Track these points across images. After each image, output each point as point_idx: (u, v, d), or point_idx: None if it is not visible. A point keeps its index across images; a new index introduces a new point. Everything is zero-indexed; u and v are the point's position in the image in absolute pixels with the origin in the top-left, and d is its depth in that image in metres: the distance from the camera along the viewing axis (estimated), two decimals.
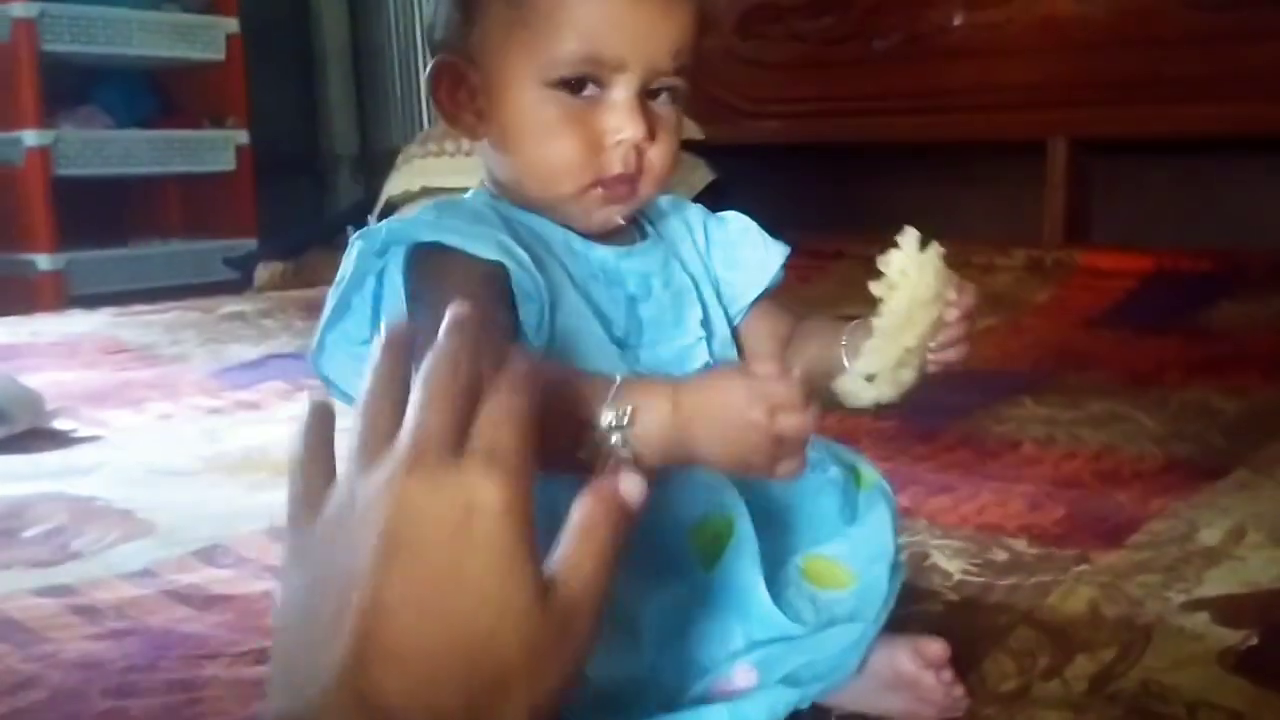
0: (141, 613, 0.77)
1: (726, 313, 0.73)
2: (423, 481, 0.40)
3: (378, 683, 0.39)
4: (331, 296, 0.67)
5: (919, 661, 0.60)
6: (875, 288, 0.61)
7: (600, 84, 0.63)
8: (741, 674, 0.58)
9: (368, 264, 0.65)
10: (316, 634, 0.40)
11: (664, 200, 0.76)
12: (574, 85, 0.63)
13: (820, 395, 0.69)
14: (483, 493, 0.40)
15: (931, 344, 0.62)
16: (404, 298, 0.65)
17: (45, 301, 2.68)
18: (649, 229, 0.72)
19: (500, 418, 0.42)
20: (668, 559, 0.61)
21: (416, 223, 0.64)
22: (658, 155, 0.65)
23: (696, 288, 0.72)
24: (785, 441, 0.52)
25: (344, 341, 0.68)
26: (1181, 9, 1.97)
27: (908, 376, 0.63)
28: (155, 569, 0.86)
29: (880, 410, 0.66)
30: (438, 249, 0.62)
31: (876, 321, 0.62)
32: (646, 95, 0.65)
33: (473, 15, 0.67)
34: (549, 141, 0.64)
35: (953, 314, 0.62)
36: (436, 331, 0.60)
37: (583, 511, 0.44)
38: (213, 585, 0.83)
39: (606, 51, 0.62)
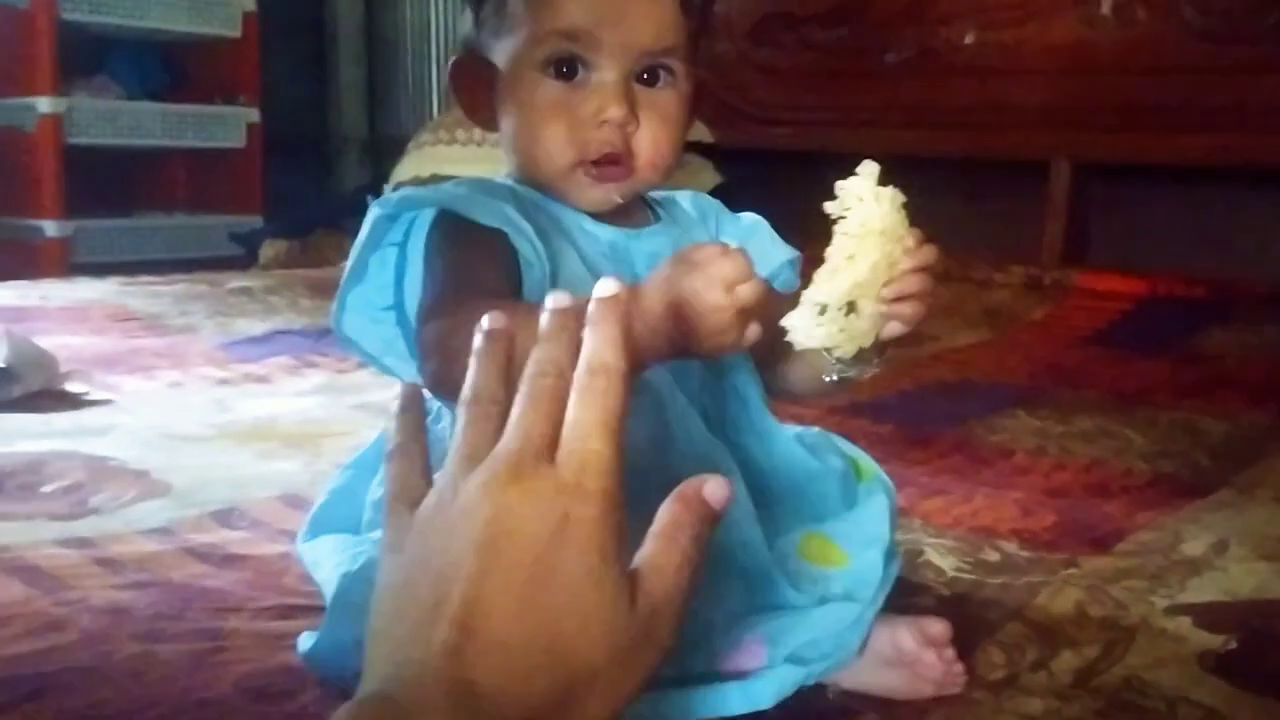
0: (162, 568, 0.80)
1: None
2: (523, 491, 0.43)
3: (473, 673, 0.41)
4: (350, 258, 0.71)
5: (921, 639, 0.63)
6: (830, 206, 0.61)
7: (587, 66, 0.67)
8: (750, 651, 0.61)
9: (381, 228, 0.69)
10: (414, 620, 0.43)
11: (682, 195, 0.80)
12: (562, 69, 0.67)
13: (819, 387, 0.70)
14: (578, 504, 0.43)
15: (885, 292, 0.62)
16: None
17: (49, 268, 2.69)
18: (663, 214, 0.75)
19: (595, 427, 0.44)
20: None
21: (429, 190, 0.69)
22: (646, 137, 0.68)
23: None
24: (747, 311, 0.56)
25: (365, 305, 0.72)
26: (1189, 40, 2.01)
27: (859, 326, 0.61)
28: (173, 528, 0.88)
29: (842, 378, 0.66)
30: (454, 219, 0.66)
31: (829, 248, 0.62)
32: (641, 81, 0.68)
33: (480, 12, 0.71)
34: (537, 123, 0.68)
35: (908, 262, 0.62)
36: (443, 292, 0.63)
37: (668, 514, 0.45)
38: (230, 545, 0.85)
39: (580, 26, 0.66)
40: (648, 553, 0.45)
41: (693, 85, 0.73)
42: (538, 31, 0.67)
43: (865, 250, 0.61)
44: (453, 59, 0.75)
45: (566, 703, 0.42)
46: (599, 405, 0.44)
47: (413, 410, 0.51)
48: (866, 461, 0.75)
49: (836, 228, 0.61)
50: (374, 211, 0.69)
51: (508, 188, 0.71)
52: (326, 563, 0.71)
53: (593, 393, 0.44)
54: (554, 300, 0.48)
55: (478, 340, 0.49)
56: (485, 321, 0.49)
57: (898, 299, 0.62)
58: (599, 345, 0.45)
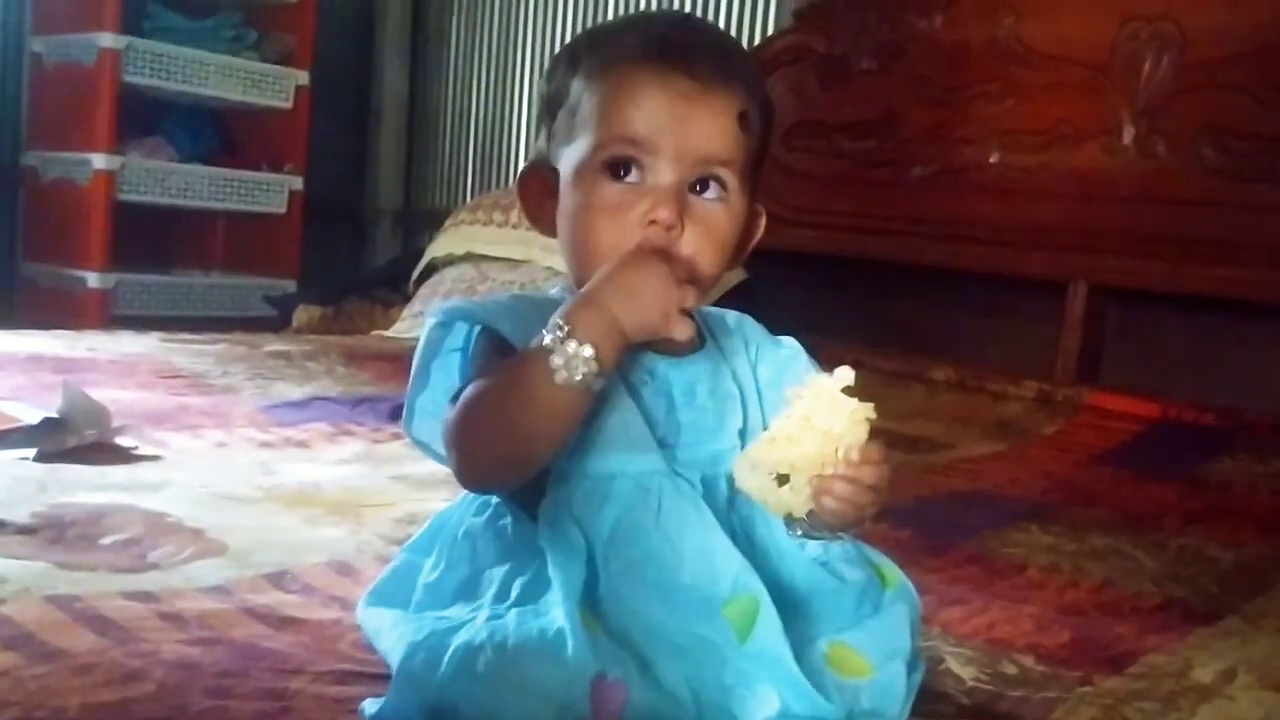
0: (223, 625, 0.84)
1: (765, 422, 0.81)
2: None
3: None
4: (413, 366, 0.77)
5: None
6: (788, 392, 0.67)
7: (643, 170, 0.71)
8: None
9: (436, 334, 0.75)
10: None
11: (730, 316, 0.85)
12: (619, 170, 0.71)
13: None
14: None
15: (814, 482, 0.66)
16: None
17: (89, 318, 2.76)
18: (709, 339, 0.80)
19: None
20: (709, 632, 0.68)
21: (477, 304, 0.74)
22: (689, 246, 0.71)
23: (742, 397, 0.79)
24: (669, 265, 0.66)
25: (434, 409, 0.77)
26: (1206, 175, 2.10)
27: (790, 498, 0.65)
28: (230, 587, 0.93)
29: (805, 536, 0.70)
30: (495, 332, 0.72)
31: (775, 419, 0.67)
32: (694, 191, 0.72)
33: (553, 125, 0.78)
34: (589, 220, 0.72)
35: (843, 467, 0.66)
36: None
37: None
38: (284, 608, 0.89)
39: (643, 133, 0.70)
40: None
41: (747, 209, 0.77)
42: (604, 136, 0.72)
43: (801, 440, 0.65)
44: (523, 168, 0.82)
45: None
46: None
47: None
48: (891, 569, 0.78)
49: (787, 410, 0.67)
50: (429, 320, 0.74)
51: (554, 307, 0.73)
52: (388, 633, 0.75)
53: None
54: None
55: None
56: None
57: (822, 493, 0.67)
58: None
